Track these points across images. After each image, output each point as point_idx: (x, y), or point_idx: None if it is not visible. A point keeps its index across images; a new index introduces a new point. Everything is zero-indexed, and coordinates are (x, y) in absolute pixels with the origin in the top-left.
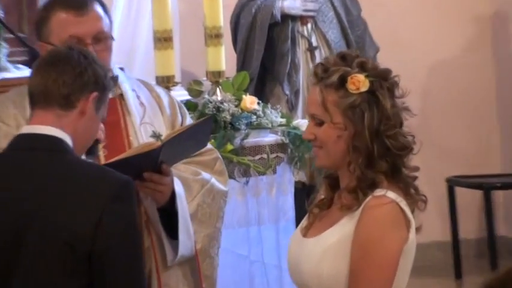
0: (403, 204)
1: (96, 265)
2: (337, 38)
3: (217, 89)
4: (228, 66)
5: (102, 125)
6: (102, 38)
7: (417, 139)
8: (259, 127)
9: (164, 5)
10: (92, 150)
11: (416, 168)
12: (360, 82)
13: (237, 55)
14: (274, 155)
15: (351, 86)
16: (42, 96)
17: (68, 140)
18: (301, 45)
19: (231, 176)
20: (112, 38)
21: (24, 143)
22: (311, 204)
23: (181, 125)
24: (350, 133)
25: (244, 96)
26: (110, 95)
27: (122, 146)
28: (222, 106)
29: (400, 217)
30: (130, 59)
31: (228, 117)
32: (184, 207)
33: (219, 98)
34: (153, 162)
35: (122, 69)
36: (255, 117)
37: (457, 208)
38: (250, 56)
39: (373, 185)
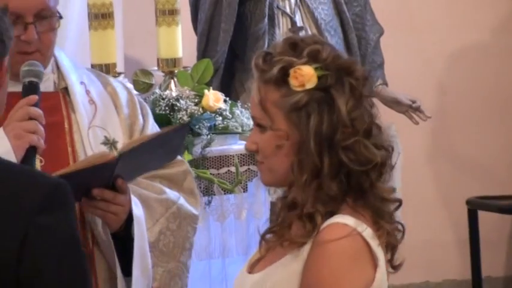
0: (368, 234)
1: None
2: (328, 17)
3: (172, 81)
4: (186, 52)
5: (42, 129)
6: (48, 16)
7: (430, 151)
8: (226, 132)
9: None
10: (26, 160)
11: (392, 190)
12: (304, 76)
13: (197, 38)
14: (244, 168)
15: (293, 82)
16: None
17: None
18: (282, 26)
19: None
20: (59, 16)
21: None
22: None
23: (142, 129)
24: (294, 143)
25: (206, 91)
26: (52, 89)
27: (64, 154)
28: (178, 104)
29: (363, 253)
30: (59, 42)
31: (186, 119)
32: (143, 235)
33: (174, 94)
34: (105, 177)
35: None
36: (220, 118)
37: (480, 237)
38: (215, 38)
39: (327, 213)
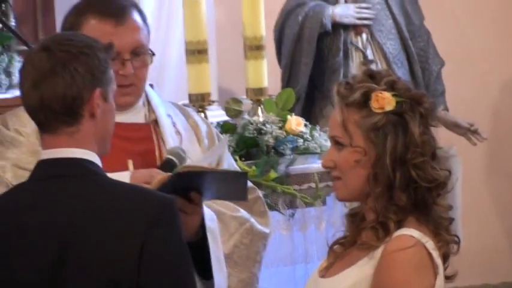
0: (430, 246)
1: None
2: (396, 51)
3: (259, 108)
4: (271, 82)
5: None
6: (141, 53)
7: (487, 169)
8: (307, 152)
9: (198, 12)
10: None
11: (450, 207)
12: (384, 100)
13: (281, 70)
14: (323, 184)
15: (374, 104)
16: (42, 117)
17: (92, 156)
18: (355, 59)
19: (275, 208)
20: (152, 53)
21: (46, 170)
22: (333, 242)
23: (219, 159)
24: (370, 159)
25: (289, 116)
26: (143, 120)
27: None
28: (264, 128)
29: (426, 262)
30: (160, 75)
31: (271, 141)
32: (218, 245)
33: (261, 119)
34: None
35: (151, 86)
36: (301, 140)
37: None
38: (296, 70)
39: (397, 222)
